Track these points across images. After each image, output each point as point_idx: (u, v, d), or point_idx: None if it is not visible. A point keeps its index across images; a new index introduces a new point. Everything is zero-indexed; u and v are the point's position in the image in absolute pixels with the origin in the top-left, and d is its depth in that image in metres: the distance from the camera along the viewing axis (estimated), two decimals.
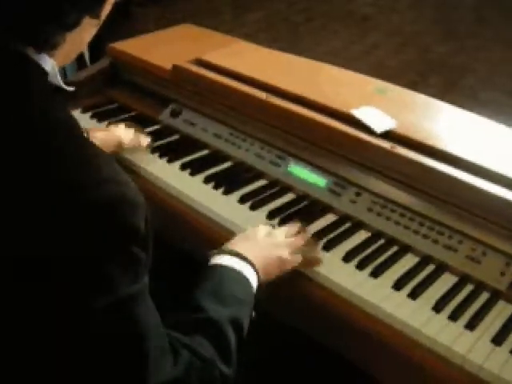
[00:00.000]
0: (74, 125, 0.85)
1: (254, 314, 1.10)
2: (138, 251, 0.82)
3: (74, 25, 0.84)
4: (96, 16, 0.87)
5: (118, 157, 1.61)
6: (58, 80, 0.90)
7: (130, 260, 0.81)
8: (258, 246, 1.20)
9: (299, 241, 1.28)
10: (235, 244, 1.19)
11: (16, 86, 0.83)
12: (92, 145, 0.85)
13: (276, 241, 1.24)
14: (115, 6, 0.95)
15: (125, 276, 0.81)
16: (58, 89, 0.91)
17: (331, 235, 1.37)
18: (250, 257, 1.15)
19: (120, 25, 4.60)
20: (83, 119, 1.82)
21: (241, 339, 1.02)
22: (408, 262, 1.31)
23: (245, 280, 1.10)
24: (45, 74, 0.86)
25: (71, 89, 0.93)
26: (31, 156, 0.78)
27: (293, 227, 1.31)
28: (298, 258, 1.25)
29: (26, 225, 0.76)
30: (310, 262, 1.28)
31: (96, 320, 0.79)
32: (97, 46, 1.49)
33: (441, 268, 1.29)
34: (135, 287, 0.82)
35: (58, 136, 0.81)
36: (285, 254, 1.22)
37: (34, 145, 0.79)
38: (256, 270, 1.14)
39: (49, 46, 0.84)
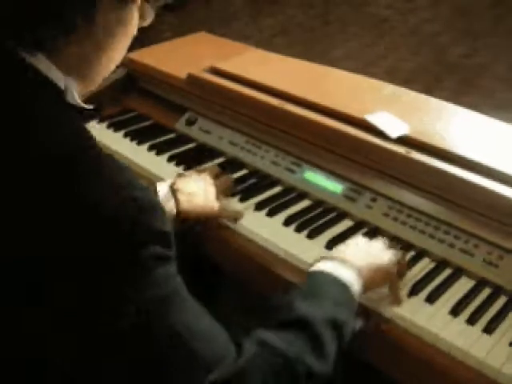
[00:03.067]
0: (85, 136, 0.86)
1: (360, 323, 1.09)
2: (165, 252, 0.83)
3: (70, 25, 0.84)
4: (90, 20, 0.85)
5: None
6: (75, 99, 0.90)
7: (155, 262, 0.81)
8: (362, 251, 1.17)
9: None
10: (338, 250, 1.18)
11: (22, 96, 0.84)
12: (105, 155, 0.85)
13: (380, 247, 1.20)
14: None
15: (154, 278, 0.81)
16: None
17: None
18: (353, 261, 1.12)
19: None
20: (100, 129, 1.85)
21: (340, 341, 0.99)
22: (425, 266, 1.30)
23: (343, 284, 1.07)
24: (53, 88, 0.87)
25: (90, 107, 0.93)
26: (44, 169, 0.80)
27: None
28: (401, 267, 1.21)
29: (51, 234, 0.78)
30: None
31: (130, 322, 0.79)
32: None
33: (458, 272, 1.28)
34: (167, 287, 0.82)
35: (68, 145, 0.82)
36: (391, 269, 1.18)
37: (46, 157, 0.80)
38: (360, 275, 1.10)
39: (50, 49, 0.85)
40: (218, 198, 1.42)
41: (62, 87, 0.87)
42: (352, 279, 1.09)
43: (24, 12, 0.82)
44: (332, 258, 1.12)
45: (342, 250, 1.18)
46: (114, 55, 0.94)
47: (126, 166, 0.86)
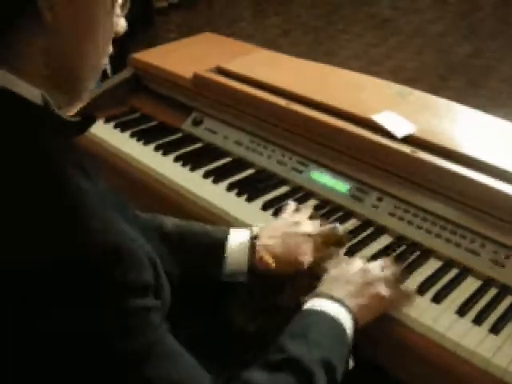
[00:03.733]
0: (63, 165, 0.79)
1: (351, 362, 1.05)
2: (142, 302, 0.79)
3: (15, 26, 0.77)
4: (36, 14, 0.77)
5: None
6: (58, 113, 0.84)
7: (136, 314, 0.78)
8: (352, 286, 1.11)
9: (392, 274, 1.18)
10: (327, 286, 1.12)
11: None
12: (79, 188, 0.78)
13: (371, 278, 1.14)
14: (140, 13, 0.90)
15: (133, 329, 0.78)
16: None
17: (354, 240, 1.37)
18: (343, 298, 1.07)
19: (143, 32, 4.67)
20: (106, 129, 1.85)
21: (333, 381, 0.95)
22: (431, 266, 1.31)
23: (336, 322, 1.03)
24: (27, 106, 0.80)
25: (76, 119, 0.87)
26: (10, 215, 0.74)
27: (386, 261, 1.21)
28: (396, 294, 1.16)
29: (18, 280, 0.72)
30: (404, 296, 1.19)
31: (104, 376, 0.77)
32: (120, 55, 1.51)
33: (464, 272, 1.28)
34: (147, 338, 0.79)
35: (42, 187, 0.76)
36: (382, 290, 1.13)
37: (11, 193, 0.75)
38: (351, 312, 1.06)
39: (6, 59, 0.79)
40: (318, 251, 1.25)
41: (39, 102, 0.81)
42: (343, 316, 1.05)
43: None
44: (320, 295, 1.08)
45: (327, 284, 1.13)
46: (87, 50, 0.85)
47: (101, 205, 0.79)
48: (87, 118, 0.89)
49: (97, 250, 0.74)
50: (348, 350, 1.03)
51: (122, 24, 0.90)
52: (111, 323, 0.76)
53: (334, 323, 1.03)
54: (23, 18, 0.78)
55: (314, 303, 1.07)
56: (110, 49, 0.90)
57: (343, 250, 1.31)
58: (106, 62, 0.90)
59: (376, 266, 1.18)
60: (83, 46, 0.84)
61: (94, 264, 0.74)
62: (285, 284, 1.24)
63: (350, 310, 1.06)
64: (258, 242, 1.22)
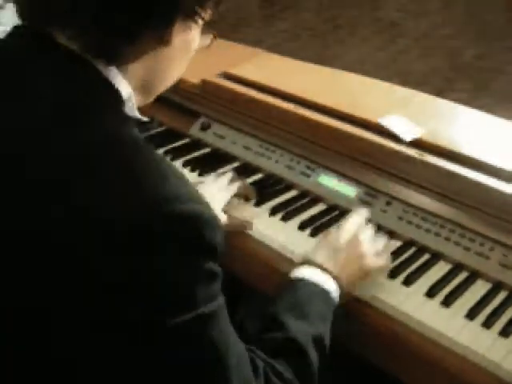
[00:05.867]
0: (146, 143, 0.85)
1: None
2: (216, 268, 0.82)
3: (135, 36, 0.83)
4: (160, 39, 0.86)
5: None
6: (133, 111, 0.91)
7: (209, 277, 0.81)
8: (342, 255, 1.17)
9: (381, 245, 1.26)
10: (318, 254, 1.17)
11: (90, 99, 0.84)
12: (169, 163, 0.85)
13: (362, 248, 1.20)
14: None
15: (205, 293, 0.80)
16: None
17: None
18: (332, 268, 1.13)
19: None
20: None
21: (323, 357, 1.00)
22: (440, 269, 1.30)
23: (327, 295, 1.09)
24: (116, 95, 0.87)
25: (146, 119, 0.95)
26: (109, 174, 0.78)
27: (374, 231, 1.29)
28: (382, 265, 1.23)
29: (105, 240, 0.75)
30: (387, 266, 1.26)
31: (174, 338, 0.78)
32: None
33: (473, 275, 1.28)
34: (215, 304, 0.82)
35: (136, 153, 0.81)
36: (371, 262, 1.20)
37: (110, 161, 0.79)
38: (339, 283, 1.12)
39: (115, 57, 0.85)
40: (232, 206, 1.42)
41: (125, 97, 0.88)
42: (333, 287, 1.11)
43: (102, 21, 0.82)
44: (312, 264, 1.14)
45: (318, 251, 1.18)
46: (174, 74, 0.96)
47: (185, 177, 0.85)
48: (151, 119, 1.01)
49: (188, 213, 0.78)
50: (331, 319, 1.08)
51: (209, 37, 1.00)
52: (194, 282, 0.79)
53: (325, 296, 1.09)
54: (154, 35, 0.85)
55: (307, 273, 1.12)
56: None
57: None
58: None
59: (367, 237, 1.23)
60: (174, 72, 0.96)
61: (189, 223, 0.78)
62: None
63: (339, 283, 1.12)
64: None
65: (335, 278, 1.12)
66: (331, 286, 1.11)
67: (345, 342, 1.24)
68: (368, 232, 1.26)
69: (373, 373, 1.25)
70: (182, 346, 0.79)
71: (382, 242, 1.28)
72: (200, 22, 0.91)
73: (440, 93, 1.70)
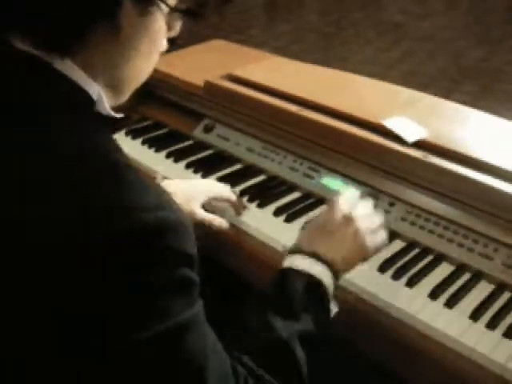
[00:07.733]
0: (112, 149, 0.82)
1: (335, 308, 1.08)
2: (190, 274, 0.80)
3: (83, 22, 0.80)
4: (113, 23, 0.81)
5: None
6: (106, 109, 0.88)
7: (181, 285, 0.79)
8: (335, 237, 1.12)
9: (377, 221, 1.19)
10: (311, 239, 1.13)
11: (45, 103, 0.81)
12: (130, 170, 0.81)
13: (356, 225, 1.14)
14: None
15: (178, 302, 0.78)
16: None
17: None
18: (323, 252, 1.08)
19: None
20: (117, 136, 1.86)
21: (309, 350, 0.98)
22: (443, 270, 1.30)
23: (320, 285, 1.05)
24: (83, 96, 0.84)
25: (120, 115, 0.91)
26: (65, 185, 0.76)
27: (368, 206, 1.21)
28: (379, 242, 1.17)
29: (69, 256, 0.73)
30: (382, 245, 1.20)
31: (150, 350, 0.76)
32: None
33: (477, 276, 1.28)
34: (191, 312, 0.80)
35: (92, 162, 0.78)
36: (367, 239, 1.14)
37: (68, 172, 0.77)
38: (334, 270, 1.08)
39: (68, 47, 0.81)
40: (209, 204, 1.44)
41: (94, 96, 0.85)
42: (326, 275, 1.06)
43: (41, 9, 0.79)
44: (304, 252, 1.09)
45: (310, 236, 1.14)
46: (141, 64, 0.91)
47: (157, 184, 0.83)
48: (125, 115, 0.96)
49: (149, 223, 0.75)
50: (327, 306, 1.06)
51: (178, 25, 0.95)
52: (166, 292, 0.77)
53: (312, 284, 1.05)
54: (102, 20, 0.81)
55: (298, 262, 1.08)
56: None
57: None
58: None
59: (361, 213, 1.16)
60: (139, 61, 0.91)
61: (153, 233, 0.75)
62: None
63: (332, 268, 1.07)
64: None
65: (327, 261, 1.08)
66: (322, 272, 1.06)
67: (349, 342, 1.25)
68: (362, 208, 1.18)
69: (378, 372, 1.26)
70: (157, 358, 0.77)
71: (378, 218, 1.20)
72: (163, 6, 0.86)
73: (445, 94, 1.70)
